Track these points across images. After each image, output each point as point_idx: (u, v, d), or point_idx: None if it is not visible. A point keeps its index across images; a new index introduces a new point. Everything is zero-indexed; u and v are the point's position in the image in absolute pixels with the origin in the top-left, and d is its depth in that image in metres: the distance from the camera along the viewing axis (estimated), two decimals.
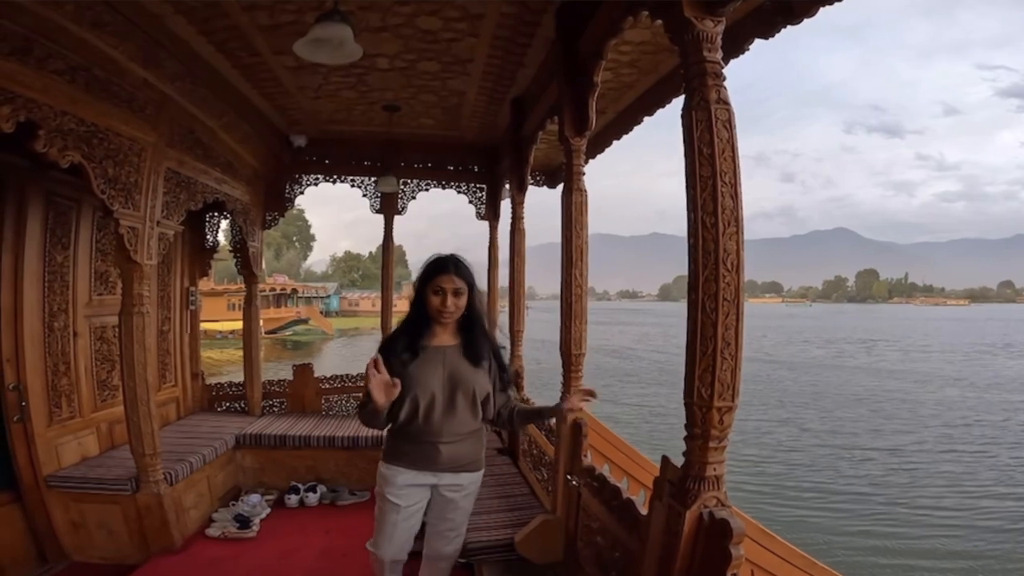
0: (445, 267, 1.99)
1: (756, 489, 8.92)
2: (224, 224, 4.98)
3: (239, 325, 5.56)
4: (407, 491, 2.04)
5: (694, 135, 1.34)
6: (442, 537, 2.13)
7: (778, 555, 1.61)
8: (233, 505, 3.72)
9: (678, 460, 1.47)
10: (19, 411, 2.96)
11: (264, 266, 5.13)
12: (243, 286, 5.14)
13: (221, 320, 26.78)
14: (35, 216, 3.04)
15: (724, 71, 1.42)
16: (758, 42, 2.15)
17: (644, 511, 1.73)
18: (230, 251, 4.94)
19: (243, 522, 3.46)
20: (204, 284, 5.00)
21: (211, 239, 4.95)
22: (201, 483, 3.61)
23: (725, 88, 1.37)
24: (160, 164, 3.04)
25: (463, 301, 2.01)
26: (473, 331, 2.05)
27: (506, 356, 2.25)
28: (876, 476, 9.99)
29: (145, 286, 2.93)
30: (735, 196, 1.33)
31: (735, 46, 2.08)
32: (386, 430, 2.10)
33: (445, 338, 2.05)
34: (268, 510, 3.74)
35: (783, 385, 20.08)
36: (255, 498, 3.79)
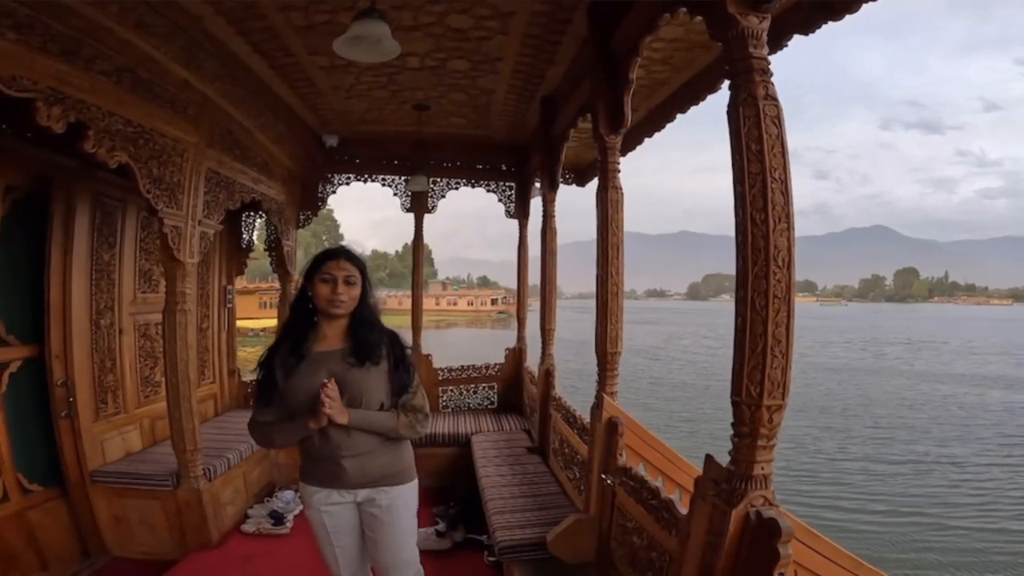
0: (335, 254, 1.82)
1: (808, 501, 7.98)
2: (258, 223, 5.09)
3: (270, 323, 5.66)
4: (328, 510, 1.86)
5: (741, 131, 1.32)
6: (383, 569, 1.91)
7: (823, 555, 1.57)
8: (267, 501, 3.78)
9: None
10: (67, 407, 3.03)
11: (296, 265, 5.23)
12: (274, 284, 5.24)
13: (253, 318, 27.52)
14: (83, 215, 3.12)
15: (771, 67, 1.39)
16: (793, 38, 2.11)
17: (683, 510, 1.70)
18: (264, 250, 5.05)
19: (277, 518, 3.50)
20: (237, 283, 5.12)
21: (247, 238, 5.06)
22: (238, 479, 3.66)
23: (773, 84, 1.36)
24: (201, 164, 3.10)
25: (356, 292, 1.81)
26: (363, 329, 1.82)
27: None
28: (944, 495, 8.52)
29: (187, 284, 2.99)
30: (786, 192, 1.31)
31: (774, 42, 2.04)
32: None
33: (333, 341, 1.82)
34: (300, 507, 3.75)
35: (825, 387, 18.60)
36: (289, 495, 3.83)
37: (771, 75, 1.36)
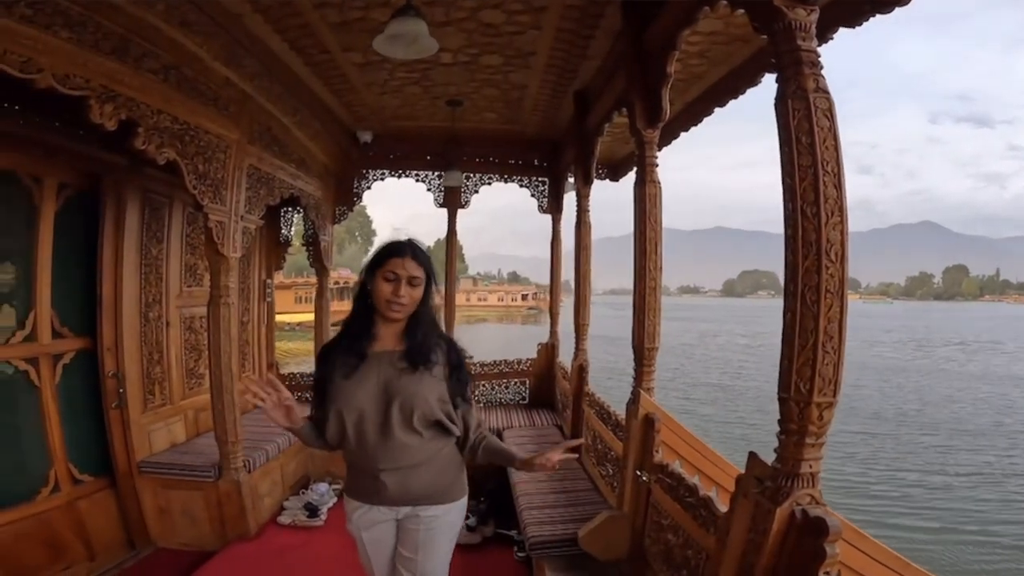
0: (401, 250, 1.65)
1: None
2: (296, 219, 5.21)
3: (306, 317, 5.80)
4: (368, 528, 1.72)
5: (791, 124, 1.30)
6: None
7: (869, 555, 1.53)
8: (303, 493, 3.85)
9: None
10: (117, 398, 3.13)
11: None
12: (310, 279, 5.36)
13: (289, 312, 28.24)
14: (133, 212, 3.22)
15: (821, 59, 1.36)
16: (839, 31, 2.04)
17: (721, 508, 1.68)
18: (302, 245, 5.16)
19: (312, 511, 3.56)
20: (274, 277, 5.26)
21: (285, 233, 5.18)
22: (275, 471, 3.73)
23: (823, 77, 1.32)
24: (243, 161, 3.17)
25: (418, 293, 1.65)
26: (420, 331, 1.67)
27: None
28: None
29: (231, 278, 3.06)
30: (839, 186, 1.28)
31: (819, 34, 1.98)
32: None
33: (388, 342, 1.68)
34: (335, 499, 3.83)
35: (876, 390, 17.22)
36: (323, 487, 3.89)
37: (821, 67, 1.34)
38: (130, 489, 3.15)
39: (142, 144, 2.42)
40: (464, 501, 1.79)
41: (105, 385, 3.10)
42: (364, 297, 1.70)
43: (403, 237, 1.72)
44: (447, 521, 1.73)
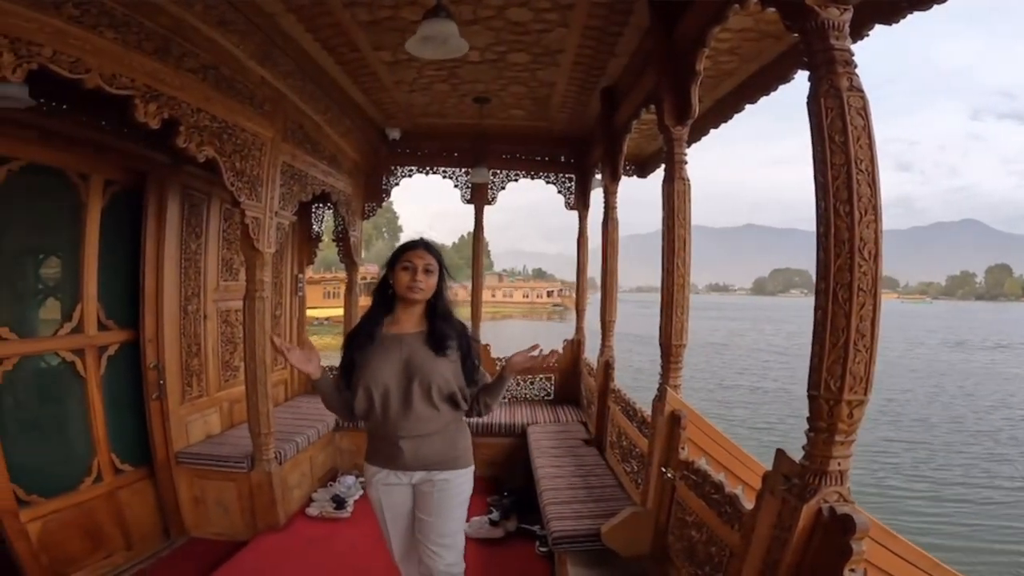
0: (414, 244, 1.98)
1: None
2: (326, 215, 5.31)
3: (334, 312, 5.91)
4: (386, 490, 1.97)
5: (823, 122, 1.30)
6: (426, 549, 1.94)
7: (898, 555, 1.52)
8: (330, 486, 3.92)
9: None
10: (157, 389, 3.22)
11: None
12: (338, 274, 5.47)
13: (318, 307, 28.75)
14: (174, 208, 3.31)
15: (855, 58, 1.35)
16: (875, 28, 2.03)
17: (747, 506, 1.68)
18: (332, 240, 5.26)
19: (339, 503, 3.62)
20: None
21: (316, 229, 5.29)
22: (304, 463, 3.80)
23: (857, 75, 1.32)
24: (277, 158, 3.24)
25: (433, 280, 1.93)
26: (439, 318, 1.95)
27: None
28: None
29: (265, 273, 3.13)
30: (873, 184, 1.27)
31: (854, 31, 1.95)
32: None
33: (408, 325, 1.95)
34: (361, 492, 3.88)
35: (922, 394, 16.12)
36: (350, 480, 3.97)
37: (855, 66, 1.33)
38: (167, 479, 3.24)
39: (183, 142, 2.49)
40: (471, 470, 2.04)
41: (146, 377, 3.19)
42: (386, 288, 1.98)
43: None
44: (457, 484, 1.97)
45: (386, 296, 1.98)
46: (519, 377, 5.24)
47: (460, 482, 1.98)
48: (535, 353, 2.01)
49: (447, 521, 1.95)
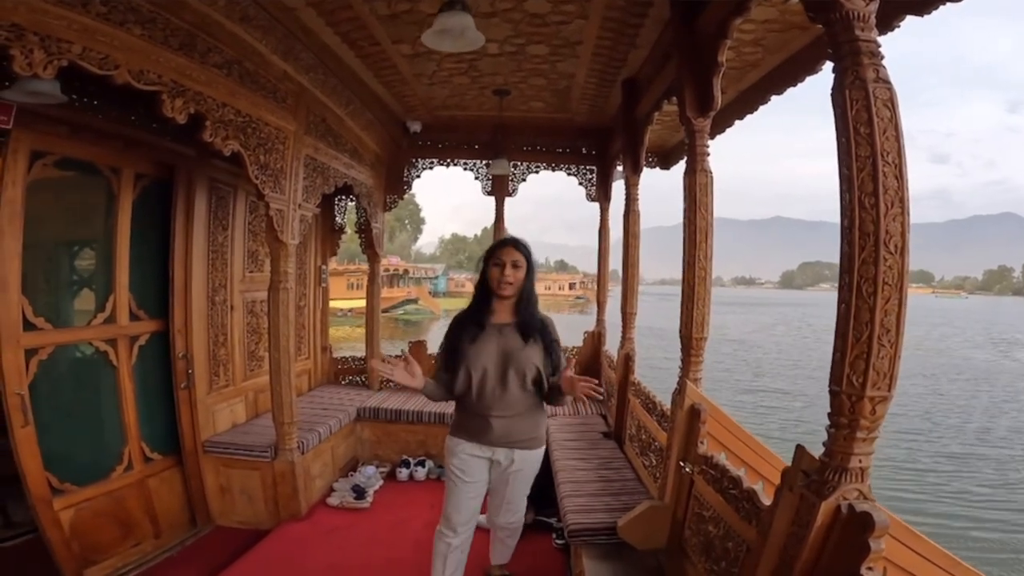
0: (504, 243, 2.21)
1: None
2: (349, 207, 5.37)
3: (357, 303, 5.98)
4: (468, 461, 2.22)
5: (848, 114, 1.27)
6: (497, 509, 2.36)
7: (918, 552, 1.49)
8: (351, 476, 3.98)
9: None
10: (186, 378, 3.28)
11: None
12: (361, 266, 5.52)
13: (341, 299, 29.11)
14: (201, 200, 3.38)
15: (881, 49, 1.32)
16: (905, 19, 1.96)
17: (766, 501, 1.66)
18: (355, 232, 5.32)
19: (359, 493, 3.66)
20: (329, 263, 5.45)
21: (339, 221, 5.36)
22: (326, 453, 3.86)
23: (884, 67, 1.28)
24: (300, 151, 3.28)
25: (521, 274, 2.16)
26: (527, 310, 2.18)
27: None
28: None
29: (289, 264, 3.18)
30: (900, 177, 1.24)
31: (884, 22, 1.92)
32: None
33: (503, 316, 2.20)
34: (381, 482, 3.95)
35: (983, 403, 14.41)
36: (370, 470, 4.02)
37: (882, 57, 1.29)
38: (195, 468, 3.30)
39: (209, 136, 2.54)
40: (543, 449, 2.33)
41: (175, 366, 3.25)
42: (483, 284, 2.21)
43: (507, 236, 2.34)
44: (532, 463, 2.29)
45: (485, 290, 2.21)
46: None
47: (535, 460, 2.29)
48: (581, 382, 2.08)
49: (519, 491, 2.32)
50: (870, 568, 1.22)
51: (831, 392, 1.32)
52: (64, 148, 2.63)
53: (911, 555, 1.46)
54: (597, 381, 2.14)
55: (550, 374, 2.20)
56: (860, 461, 1.29)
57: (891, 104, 1.26)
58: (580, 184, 5.23)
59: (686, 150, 2.48)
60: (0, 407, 2.39)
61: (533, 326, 2.16)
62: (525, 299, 2.19)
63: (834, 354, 1.31)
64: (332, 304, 5.64)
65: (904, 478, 8.23)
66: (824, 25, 1.38)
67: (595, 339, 5.20)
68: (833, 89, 1.32)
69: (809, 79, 2.88)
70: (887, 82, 1.27)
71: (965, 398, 15.12)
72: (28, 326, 2.49)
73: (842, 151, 1.29)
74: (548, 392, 2.22)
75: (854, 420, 1.27)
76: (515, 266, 2.14)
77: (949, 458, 9.45)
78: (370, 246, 5.06)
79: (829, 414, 1.33)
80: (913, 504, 7.02)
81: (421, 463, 4.22)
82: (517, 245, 2.19)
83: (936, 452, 9.75)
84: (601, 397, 2.06)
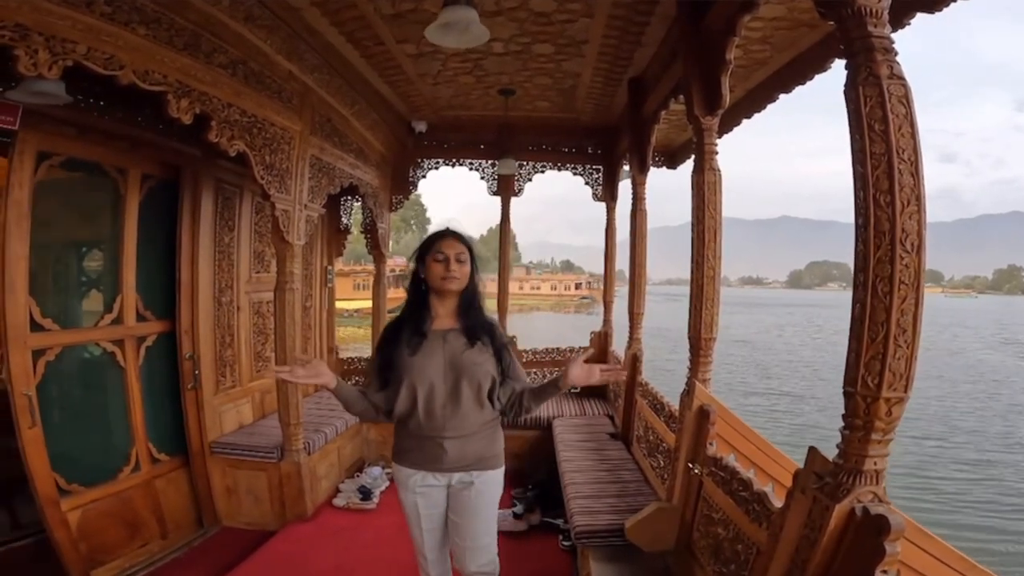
0: (443, 234, 1.88)
1: None
2: (354, 207, 5.37)
3: (363, 304, 5.98)
4: (424, 493, 1.89)
5: (862, 111, 1.25)
6: (464, 552, 1.89)
7: (932, 555, 1.47)
8: (357, 476, 3.97)
9: None
10: (193, 379, 3.28)
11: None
12: (367, 267, 5.52)
13: (348, 299, 29.18)
14: (207, 201, 3.38)
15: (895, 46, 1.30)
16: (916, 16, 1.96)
17: (777, 504, 1.64)
18: (361, 232, 5.32)
19: (365, 494, 3.66)
20: (335, 264, 5.46)
21: (345, 221, 5.36)
22: (332, 454, 3.85)
23: (898, 63, 1.26)
24: (305, 152, 3.27)
25: (467, 269, 1.86)
26: (472, 311, 1.89)
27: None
28: None
29: (295, 264, 3.18)
30: (916, 174, 1.22)
31: (894, 20, 1.91)
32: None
33: (446, 320, 1.89)
34: (387, 483, 3.93)
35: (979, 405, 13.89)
36: (376, 471, 4.02)
37: (895, 54, 1.27)
38: (201, 468, 3.30)
39: (215, 137, 2.54)
40: (503, 470, 1.97)
41: (182, 367, 3.25)
42: (418, 283, 1.91)
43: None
44: (492, 485, 1.92)
45: (420, 291, 1.91)
46: (547, 369, 5.22)
47: (497, 482, 1.94)
48: (605, 367, 1.90)
49: (482, 521, 1.90)
50: (884, 572, 1.19)
51: (845, 393, 1.30)
52: (70, 149, 2.63)
53: (924, 556, 1.44)
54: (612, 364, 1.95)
55: (501, 381, 1.90)
56: (875, 463, 1.27)
57: (906, 100, 1.24)
58: (586, 184, 5.21)
59: (694, 149, 2.47)
60: (7, 408, 2.40)
61: (478, 329, 1.86)
62: (469, 300, 1.90)
63: (849, 355, 1.29)
64: (338, 305, 5.63)
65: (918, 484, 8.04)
66: (836, 21, 1.37)
67: (602, 339, 5.18)
68: (846, 86, 1.30)
69: (817, 77, 2.87)
70: (901, 78, 1.25)
71: (983, 399, 14.83)
72: (35, 327, 2.50)
73: (856, 148, 1.27)
74: (529, 395, 1.92)
75: (869, 422, 1.25)
76: (459, 260, 1.84)
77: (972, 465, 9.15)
78: (376, 246, 5.07)
79: (843, 415, 1.31)
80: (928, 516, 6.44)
81: None
82: (458, 236, 1.88)
83: (952, 459, 9.44)
84: (626, 376, 1.85)
